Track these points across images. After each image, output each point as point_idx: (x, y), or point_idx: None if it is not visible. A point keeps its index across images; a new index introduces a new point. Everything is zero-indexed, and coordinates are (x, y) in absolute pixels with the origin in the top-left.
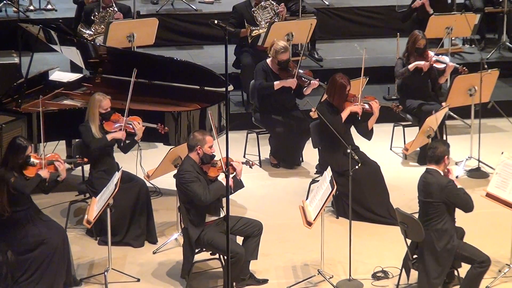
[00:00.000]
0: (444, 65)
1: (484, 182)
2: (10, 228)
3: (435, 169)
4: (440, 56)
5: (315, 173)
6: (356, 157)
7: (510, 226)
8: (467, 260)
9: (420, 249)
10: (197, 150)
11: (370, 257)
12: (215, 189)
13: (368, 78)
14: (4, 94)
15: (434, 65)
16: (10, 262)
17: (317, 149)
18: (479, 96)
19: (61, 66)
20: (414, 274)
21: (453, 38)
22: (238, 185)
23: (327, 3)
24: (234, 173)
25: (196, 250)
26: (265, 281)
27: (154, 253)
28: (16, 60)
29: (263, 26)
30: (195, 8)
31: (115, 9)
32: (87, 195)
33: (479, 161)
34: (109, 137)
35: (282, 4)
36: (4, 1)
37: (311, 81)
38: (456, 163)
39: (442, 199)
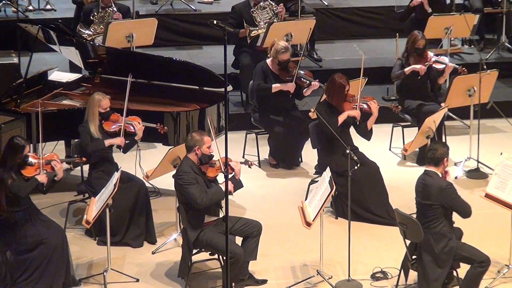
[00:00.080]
0: (443, 66)
1: (483, 182)
2: (9, 228)
3: (433, 171)
4: (439, 56)
5: (314, 174)
6: (355, 158)
7: (509, 226)
8: (467, 261)
9: (419, 250)
10: (195, 151)
11: (369, 257)
12: (213, 194)
13: (367, 79)
14: (3, 94)
15: (434, 65)
16: (9, 262)
17: (316, 149)
18: (478, 96)
19: (60, 66)
20: (412, 275)
21: (452, 39)
22: (238, 185)
23: (326, 3)
24: (233, 173)
25: (195, 251)
26: (264, 281)
27: (153, 253)
28: (15, 60)
29: (262, 26)
30: (194, 8)
31: (114, 9)
32: (86, 195)
33: (478, 161)
34: (107, 142)
35: (281, 4)
36: (3, 1)
37: (312, 82)
38: (455, 164)
39: (440, 201)
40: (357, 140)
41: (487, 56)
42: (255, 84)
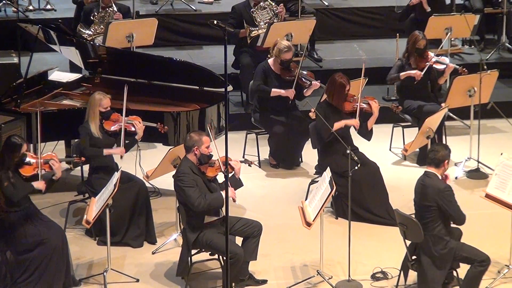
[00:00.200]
0: (444, 66)
1: (484, 183)
2: (9, 228)
3: (433, 172)
4: (439, 57)
5: (314, 174)
6: (356, 158)
7: (509, 227)
8: (467, 260)
9: (418, 252)
10: (194, 151)
11: (369, 258)
12: (212, 199)
13: (367, 79)
14: (3, 94)
15: (434, 65)
16: (9, 262)
17: (316, 149)
18: (478, 97)
19: (60, 66)
20: (412, 275)
21: (452, 39)
22: (238, 184)
23: (326, 3)
24: (233, 172)
25: (195, 251)
26: (264, 281)
27: (153, 253)
28: (16, 60)
29: (262, 26)
30: (194, 8)
31: (115, 9)
32: (86, 195)
33: (478, 162)
34: (105, 152)
35: (281, 4)
36: (4, 1)
37: (312, 82)
38: (456, 164)
39: (436, 202)
40: (357, 140)
41: (488, 57)
42: (255, 85)
